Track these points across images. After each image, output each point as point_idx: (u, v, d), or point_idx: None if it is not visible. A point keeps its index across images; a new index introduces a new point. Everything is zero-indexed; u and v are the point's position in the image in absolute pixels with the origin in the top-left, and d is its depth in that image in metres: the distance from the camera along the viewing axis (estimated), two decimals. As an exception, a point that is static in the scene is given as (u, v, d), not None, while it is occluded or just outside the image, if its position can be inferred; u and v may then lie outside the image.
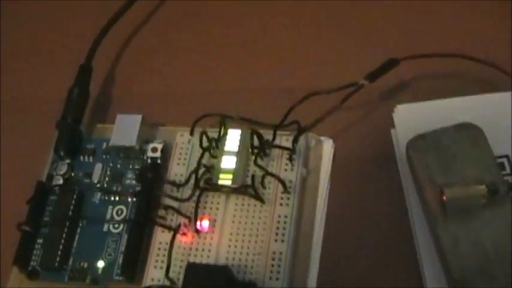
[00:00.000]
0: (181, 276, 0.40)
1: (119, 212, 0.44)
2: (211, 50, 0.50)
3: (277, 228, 0.41)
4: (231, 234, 0.42)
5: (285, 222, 0.41)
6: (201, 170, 0.43)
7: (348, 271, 0.42)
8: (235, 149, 0.43)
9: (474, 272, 0.38)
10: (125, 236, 0.43)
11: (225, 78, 0.49)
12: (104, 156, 0.46)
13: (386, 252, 0.42)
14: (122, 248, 0.43)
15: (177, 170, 0.44)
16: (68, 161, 0.46)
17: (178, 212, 0.42)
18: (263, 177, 0.42)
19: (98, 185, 0.45)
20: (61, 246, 0.43)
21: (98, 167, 0.46)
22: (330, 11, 0.50)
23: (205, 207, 0.42)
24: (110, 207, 0.44)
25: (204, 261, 0.41)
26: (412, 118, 0.44)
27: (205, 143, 0.44)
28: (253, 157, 0.43)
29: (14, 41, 0.54)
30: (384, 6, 0.49)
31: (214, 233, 0.42)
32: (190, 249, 0.42)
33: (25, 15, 0.55)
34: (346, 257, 0.42)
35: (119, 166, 0.46)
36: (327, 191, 0.43)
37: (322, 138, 0.44)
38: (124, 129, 0.45)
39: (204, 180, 0.43)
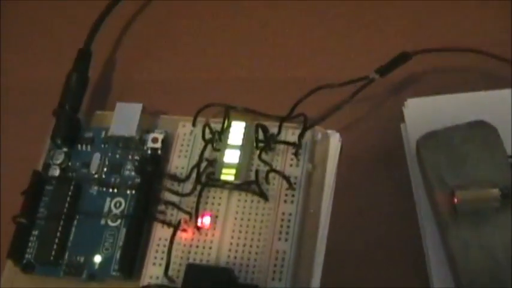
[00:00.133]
0: (181, 275, 0.39)
1: (117, 205, 0.42)
2: (217, 36, 0.48)
3: (281, 226, 0.40)
4: (233, 231, 0.40)
5: (289, 220, 0.40)
6: (203, 164, 0.41)
7: (353, 271, 0.40)
8: (239, 142, 0.42)
9: (484, 277, 0.36)
10: (123, 230, 0.42)
11: (230, 66, 0.47)
12: (103, 146, 0.44)
13: (393, 252, 0.40)
14: (120, 243, 0.41)
15: (178, 162, 0.43)
16: (65, 149, 0.44)
17: (178, 207, 0.41)
18: (267, 173, 0.40)
19: (96, 176, 0.44)
20: (57, 240, 0.42)
21: (96, 156, 0.44)
22: (341, 1, 0.48)
23: (206, 203, 0.41)
24: (108, 199, 0.43)
25: (204, 259, 0.40)
26: (423, 113, 0.42)
27: (207, 135, 0.42)
28: (257, 151, 0.41)
29: (11, 24, 0.52)
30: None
31: (216, 230, 0.40)
32: (191, 246, 0.40)
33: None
34: (351, 257, 0.41)
35: (117, 156, 0.44)
36: (332, 187, 0.42)
37: (329, 131, 0.43)
38: (124, 119, 0.44)
39: (206, 175, 0.41)
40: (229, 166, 0.41)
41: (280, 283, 0.39)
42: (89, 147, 0.44)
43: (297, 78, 0.45)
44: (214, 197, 0.41)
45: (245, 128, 0.42)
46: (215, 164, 0.41)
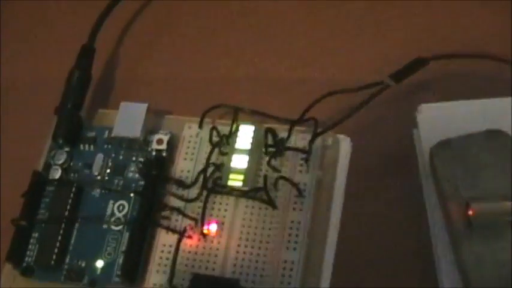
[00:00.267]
0: (185, 283, 0.38)
1: (120, 208, 0.41)
2: (225, 34, 0.47)
3: (289, 235, 0.39)
4: (240, 239, 0.39)
5: (297, 229, 0.39)
6: (210, 169, 0.40)
7: (362, 281, 0.40)
8: (247, 146, 0.40)
9: (497, 293, 0.36)
10: (126, 235, 0.40)
11: (238, 64, 0.46)
12: (106, 146, 0.43)
13: (403, 261, 0.40)
14: (123, 248, 0.40)
15: (184, 165, 0.41)
16: (66, 149, 0.43)
17: (183, 214, 0.39)
18: (276, 179, 0.39)
19: (99, 178, 0.42)
20: (58, 243, 0.40)
21: (99, 157, 0.43)
22: (353, 2, 0.47)
23: (212, 209, 0.40)
24: (111, 202, 0.41)
25: (210, 267, 0.39)
26: (436, 119, 0.41)
27: (214, 138, 0.41)
28: (265, 156, 0.40)
29: (13, 20, 0.50)
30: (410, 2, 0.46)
31: (222, 237, 0.39)
32: (196, 253, 0.39)
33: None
34: (360, 266, 0.40)
35: (121, 157, 0.43)
36: (342, 194, 0.40)
37: (339, 136, 0.41)
38: (128, 119, 0.42)
39: (213, 180, 0.40)
40: (237, 171, 0.40)
41: (288, 294, 0.38)
42: (91, 147, 0.43)
43: (306, 78, 0.44)
44: (220, 203, 0.40)
45: (254, 132, 0.41)
46: (222, 168, 0.40)
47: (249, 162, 0.40)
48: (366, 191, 0.41)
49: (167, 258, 0.39)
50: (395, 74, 0.39)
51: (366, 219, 0.40)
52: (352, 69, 0.44)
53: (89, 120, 0.44)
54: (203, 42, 0.47)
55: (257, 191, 0.39)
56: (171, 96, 0.45)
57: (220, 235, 0.39)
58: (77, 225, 0.41)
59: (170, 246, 0.39)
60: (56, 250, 0.40)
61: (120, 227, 0.41)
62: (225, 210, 0.40)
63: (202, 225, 0.39)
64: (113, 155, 0.43)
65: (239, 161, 0.40)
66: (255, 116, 0.42)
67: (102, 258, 0.40)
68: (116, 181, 0.42)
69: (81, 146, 0.43)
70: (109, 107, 0.45)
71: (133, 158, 0.42)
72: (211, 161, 0.40)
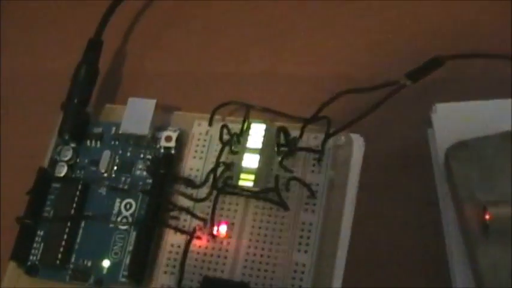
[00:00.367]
0: (194, 285, 0.37)
1: (127, 206, 0.40)
2: (236, 28, 0.46)
3: (301, 237, 0.38)
4: (250, 240, 0.38)
5: (309, 231, 0.38)
6: (220, 168, 0.39)
7: (374, 283, 0.39)
8: (259, 146, 0.39)
9: (512, 300, 0.35)
10: (133, 234, 0.40)
11: (249, 60, 0.45)
12: (113, 143, 0.42)
13: (416, 263, 0.38)
14: (130, 247, 0.39)
15: (193, 164, 0.41)
16: (73, 145, 0.42)
17: (192, 214, 0.39)
18: (288, 180, 0.38)
19: (105, 175, 0.41)
20: (63, 242, 0.40)
21: (106, 154, 0.42)
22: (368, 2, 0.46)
23: (222, 209, 0.39)
24: (118, 200, 0.41)
25: (219, 269, 0.38)
26: (452, 119, 0.40)
27: (225, 135, 0.40)
28: (277, 156, 0.39)
29: (17, 10, 0.49)
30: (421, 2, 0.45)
31: (232, 238, 0.38)
32: (205, 254, 0.38)
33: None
34: (372, 268, 0.39)
35: (128, 154, 0.42)
36: (355, 195, 0.39)
37: (352, 135, 0.40)
38: (136, 115, 0.41)
39: (223, 180, 0.39)
40: (247, 171, 0.39)
41: (299, 297, 0.37)
42: (98, 143, 0.42)
43: (319, 76, 0.43)
44: (230, 203, 0.39)
45: (265, 131, 0.39)
46: (232, 168, 0.39)
47: (260, 161, 0.39)
48: (379, 192, 0.40)
49: (175, 259, 0.38)
50: (411, 73, 0.38)
51: (378, 220, 0.39)
52: (365, 67, 0.42)
53: (95, 115, 0.43)
54: (214, 37, 0.46)
55: (268, 191, 0.38)
56: (180, 91, 0.44)
57: (230, 236, 0.38)
58: (82, 223, 0.40)
59: (178, 246, 0.39)
60: (61, 249, 0.39)
61: (127, 226, 0.40)
62: (235, 210, 0.39)
63: (212, 226, 0.38)
64: (120, 151, 0.42)
65: (250, 161, 0.39)
66: (266, 113, 0.41)
67: (108, 258, 0.39)
68: (123, 179, 0.41)
69: (88, 142, 0.42)
70: (116, 102, 0.44)
71: (141, 155, 0.42)
72: (221, 160, 0.39)
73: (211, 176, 0.39)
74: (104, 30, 0.44)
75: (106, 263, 0.39)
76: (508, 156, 0.37)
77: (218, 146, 0.40)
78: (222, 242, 0.38)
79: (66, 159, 0.42)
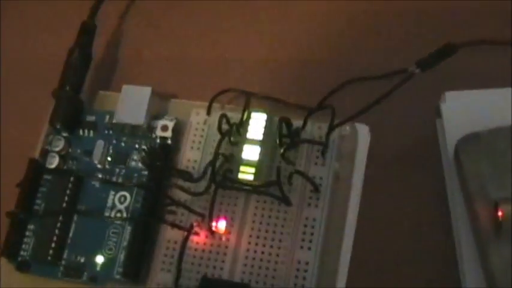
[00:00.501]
0: (192, 283, 0.36)
1: (122, 199, 0.39)
2: (236, 12, 0.43)
3: (304, 233, 0.36)
4: (250, 236, 0.36)
5: (312, 227, 0.36)
6: (219, 160, 0.37)
7: (379, 282, 0.37)
8: (259, 137, 0.37)
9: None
10: (128, 229, 0.38)
11: (250, 46, 0.42)
12: (107, 132, 0.40)
13: (423, 262, 0.37)
14: (125, 243, 0.38)
15: (191, 155, 0.39)
16: (65, 134, 0.40)
17: (190, 209, 0.37)
18: (291, 174, 0.37)
19: (99, 166, 0.40)
20: (55, 237, 0.38)
21: (99, 144, 0.40)
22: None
23: (221, 203, 0.37)
24: (112, 193, 0.39)
25: (218, 266, 0.36)
26: (462, 108, 0.38)
27: (224, 125, 0.38)
28: (279, 148, 0.37)
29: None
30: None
31: (231, 234, 0.37)
32: (203, 251, 0.37)
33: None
34: (377, 266, 0.37)
35: (123, 144, 0.40)
36: (360, 188, 0.38)
37: (357, 125, 0.39)
38: (130, 104, 0.40)
39: (222, 173, 0.37)
40: (248, 164, 0.37)
41: (302, 296, 0.35)
42: (91, 132, 0.40)
43: (324, 62, 0.41)
44: (230, 197, 0.37)
45: (266, 121, 0.38)
46: (232, 160, 0.37)
47: (261, 153, 0.37)
48: (386, 186, 0.38)
49: (172, 256, 0.37)
50: (421, 62, 0.36)
51: (385, 215, 0.38)
52: (372, 54, 0.40)
53: (89, 103, 0.41)
54: (213, 21, 0.44)
55: (270, 185, 0.36)
56: (178, 78, 0.42)
57: (230, 232, 0.37)
58: (75, 217, 0.39)
59: (175, 242, 0.37)
60: (53, 244, 0.38)
61: (121, 221, 0.38)
62: (235, 205, 0.37)
63: (210, 221, 0.36)
64: (114, 141, 0.40)
65: (250, 152, 0.37)
66: (267, 102, 0.39)
67: (102, 254, 0.38)
68: (117, 170, 0.39)
69: (81, 132, 0.41)
70: (111, 89, 0.42)
71: (136, 146, 0.40)
72: (220, 152, 0.37)
73: (210, 169, 0.37)
74: (97, 13, 0.42)
75: (100, 259, 0.38)
76: (522, 149, 0.35)
77: (217, 137, 0.38)
78: (221, 239, 0.37)
79: (57, 149, 0.40)
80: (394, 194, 0.38)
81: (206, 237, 0.37)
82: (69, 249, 0.38)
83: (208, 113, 0.39)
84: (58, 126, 0.40)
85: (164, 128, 0.39)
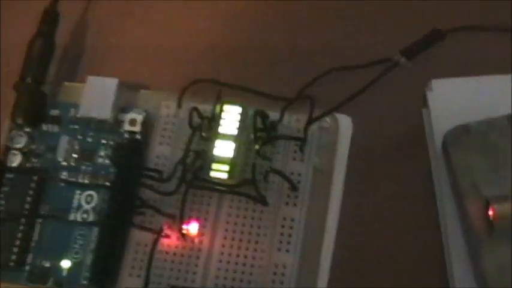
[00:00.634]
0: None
1: (89, 200, 0.36)
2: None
3: (282, 234, 0.34)
4: (225, 239, 0.34)
5: (291, 228, 0.34)
6: (190, 157, 0.35)
7: (363, 283, 0.35)
8: (234, 132, 0.35)
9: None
10: (95, 231, 0.36)
11: (225, 32, 0.40)
12: (71, 127, 0.38)
13: (410, 264, 0.35)
14: (92, 246, 0.35)
15: (160, 150, 0.36)
16: (27, 130, 0.38)
17: (159, 211, 0.34)
18: (267, 172, 0.34)
19: (64, 164, 0.37)
20: (18, 241, 0.36)
21: (64, 140, 0.37)
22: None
23: (193, 203, 0.35)
24: (78, 192, 0.37)
25: (190, 270, 0.34)
26: (451, 97, 0.35)
27: (195, 119, 0.36)
28: (255, 143, 0.35)
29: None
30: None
31: (204, 237, 0.34)
32: (175, 254, 0.34)
33: None
34: (361, 267, 0.35)
35: (89, 140, 0.37)
36: (342, 185, 0.35)
37: (338, 116, 0.36)
38: (96, 97, 0.37)
39: (194, 170, 0.35)
40: (221, 161, 0.34)
41: (280, 302, 0.33)
42: (55, 127, 0.38)
43: (304, 50, 0.38)
44: (203, 196, 0.35)
45: (241, 114, 0.35)
46: (204, 156, 0.35)
47: (235, 150, 0.35)
48: (369, 181, 0.36)
49: (142, 260, 0.35)
50: (406, 50, 0.34)
51: (368, 213, 0.36)
52: (354, 43, 0.38)
53: (53, 96, 0.39)
54: (185, 6, 0.41)
55: (244, 184, 0.34)
56: (147, 67, 0.39)
57: (202, 233, 0.34)
58: (39, 219, 0.36)
59: (145, 245, 0.35)
60: (15, 249, 0.36)
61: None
62: (208, 205, 0.35)
63: (181, 224, 0.34)
64: (80, 137, 0.38)
65: (224, 149, 0.35)
66: (242, 93, 0.37)
67: (68, 258, 0.36)
68: (84, 168, 0.37)
69: (44, 127, 0.38)
70: (77, 81, 0.39)
71: (103, 141, 0.37)
72: (191, 148, 0.35)
73: (181, 167, 0.35)
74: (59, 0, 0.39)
75: (66, 264, 0.36)
76: (515, 142, 0.33)
77: (189, 132, 0.35)
78: (193, 241, 0.34)
79: (19, 146, 0.37)
80: (379, 190, 0.36)
81: (178, 240, 0.34)
82: (34, 253, 0.36)
83: (179, 105, 0.37)
84: (20, 122, 0.37)
85: (132, 122, 0.37)
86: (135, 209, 0.35)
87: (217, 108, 0.35)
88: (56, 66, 0.40)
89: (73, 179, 0.37)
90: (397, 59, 0.34)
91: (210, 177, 0.34)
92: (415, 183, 0.36)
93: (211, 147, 0.35)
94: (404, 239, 0.35)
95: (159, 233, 0.34)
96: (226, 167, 0.34)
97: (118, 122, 0.37)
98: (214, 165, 0.34)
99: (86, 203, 0.36)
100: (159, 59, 0.40)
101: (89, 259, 0.35)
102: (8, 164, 0.37)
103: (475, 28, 0.35)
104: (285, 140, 0.35)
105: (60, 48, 0.40)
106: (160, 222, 0.35)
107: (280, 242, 0.34)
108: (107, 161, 0.37)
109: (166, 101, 0.37)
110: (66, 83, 0.39)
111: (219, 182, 0.34)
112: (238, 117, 0.35)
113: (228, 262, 0.34)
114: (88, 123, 0.37)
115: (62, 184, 0.37)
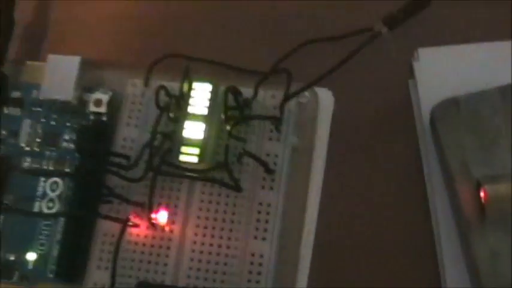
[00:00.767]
0: (132, 281, 0.31)
1: (54, 187, 0.34)
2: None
3: (258, 221, 0.32)
4: (197, 227, 0.32)
5: (267, 213, 0.32)
6: (158, 140, 0.32)
7: (347, 273, 0.33)
8: (204, 111, 0.32)
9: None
10: (61, 221, 0.33)
11: (196, 5, 0.37)
12: (34, 109, 0.35)
13: (397, 250, 0.32)
14: (58, 237, 0.33)
15: (127, 132, 0.34)
16: (-13, 113, 0.36)
17: (126, 200, 0.32)
18: (240, 155, 0.32)
19: (27, 149, 0.35)
20: (-21, 234, 0.34)
21: (26, 123, 0.35)
22: None
23: (163, 189, 0.32)
24: (42, 179, 0.34)
25: (161, 262, 0.32)
26: (439, 67, 0.33)
27: (163, 98, 0.33)
28: (227, 125, 0.32)
29: None
30: None
31: (175, 225, 0.32)
32: (144, 245, 0.32)
33: None
34: (344, 256, 0.33)
35: (53, 123, 0.35)
36: (323, 165, 0.33)
37: (318, 90, 0.34)
38: (58, 77, 0.35)
39: (162, 155, 0.32)
40: (191, 143, 0.32)
41: (258, 293, 0.31)
42: (18, 110, 0.36)
43: (281, 21, 0.36)
44: (173, 182, 0.33)
45: (211, 92, 0.33)
46: (173, 138, 0.32)
47: (205, 131, 0.32)
48: (353, 160, 0.34)
49: (109, 252, 0.32)
50: (388, 19, 0.31)
51: (352, 195, 0.33)
52: (333, 12, 0.35)
53: (14, 76, 0.36)
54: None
55: (217, 168, 0.32)
56: (113, 44, 0.37)
57: (173, 221, 0.32)
58: (2, 210, 0.34)
59: (113, 236, 0.32)
60: (-23, 242, 0.34)
61: (53, 211, 0.34)
62: (178, 191, 0.33)
63: (150, 212, 0.32)
64: (43, 120, 0.35)
65: (193, 130, 0.32)
66: (214, 68, 0.34)
67: (34, 250, 0.34)
68: (48, 153, 0.35)
69: (5, 110, 0.36)
70: (39, 59, 0.37)
71: (68, 123, 0.35)
72: (159, 130, 0.32)
73: (147, 151, 0.32)
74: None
75: (31, 256, 0.34)
76: (509, 117, 0.30)
77: (157, 112, 0.33)
78: (163, 231, 0.32)
79: (-21, 132, 0.35)
80: (363, 170, 0.33)
81: (147, 229, 0.32)
82: (-3, 246, 0.34)
83: (146, 84, 0.34)
84: (-20, 105, 0.35)
85: (98, 103, 0.34)
86: (102, 197, 0.33)
87: (186, 86, 0.33)
88: (17, 44, 0.37)
89: (37, 166, 0.35)
90: (379, 29, 0.31)
91: (180, 161, 0.32)
92: (403, 162, 0.33)
93: (180, 128, 0.32)
94: (392, 224, 0.33)
95: (125, 223, 0.32)
96: (197, 150, 0.32)
97: (83, 103, 0.35)
98: (184, 148, 0.32)
99: (51, 191, 0.34)
100: (124, 33, 0.37)
101: (55, 251, 0.33)
102: (-33, 151, 0.35)
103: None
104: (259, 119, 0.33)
105: (21, 24, 0.38)
106: (129, 210, 0.32)
107: (257, 229, 0.32)
108: (72, 146, 0.34)
109: (133, 79, 0.34)
110: (29, 62, 0.37)
111: (189, 168, 0.32)
112: (209, 95, 0.33)
113: (201, 252, 0.32)
114: (51, 105, 0.35)
115: (26, 171, 0.35)
